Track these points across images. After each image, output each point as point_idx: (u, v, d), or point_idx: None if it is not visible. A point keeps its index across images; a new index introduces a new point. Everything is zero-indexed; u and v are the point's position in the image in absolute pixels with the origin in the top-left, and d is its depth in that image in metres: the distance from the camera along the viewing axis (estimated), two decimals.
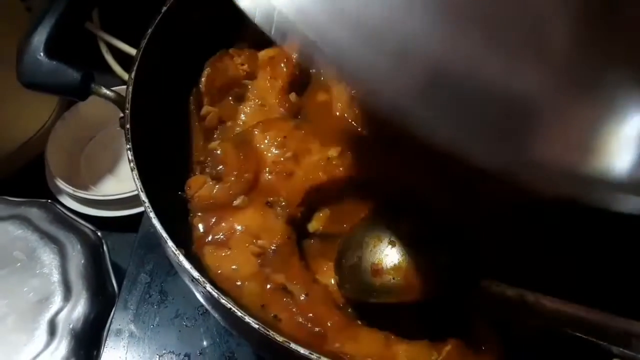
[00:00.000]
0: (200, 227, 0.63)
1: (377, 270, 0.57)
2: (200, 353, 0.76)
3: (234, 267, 0.60)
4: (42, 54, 0.58)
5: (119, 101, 0.59)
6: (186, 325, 0.78)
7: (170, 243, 0.50)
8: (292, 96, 0.76)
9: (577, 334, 0.47)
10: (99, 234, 0.88)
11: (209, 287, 0.48)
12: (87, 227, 0.89)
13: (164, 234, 0.50)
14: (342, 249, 0.62)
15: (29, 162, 1.04)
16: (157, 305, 0.79)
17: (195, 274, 0.48)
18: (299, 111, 0.77)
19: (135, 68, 0.61)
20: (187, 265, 0.49)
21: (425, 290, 0.56)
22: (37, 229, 0.85)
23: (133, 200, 0.98)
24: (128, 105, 0.57)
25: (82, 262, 0.82)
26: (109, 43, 1.13)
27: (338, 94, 0.78)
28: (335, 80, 0.79)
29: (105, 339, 0.77)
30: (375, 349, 0.58)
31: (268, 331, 0.46)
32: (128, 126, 0.55)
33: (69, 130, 1.07)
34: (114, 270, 0.86)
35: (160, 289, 0.80)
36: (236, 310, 0.46)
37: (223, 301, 0.47)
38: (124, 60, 1.11)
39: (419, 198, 0.68)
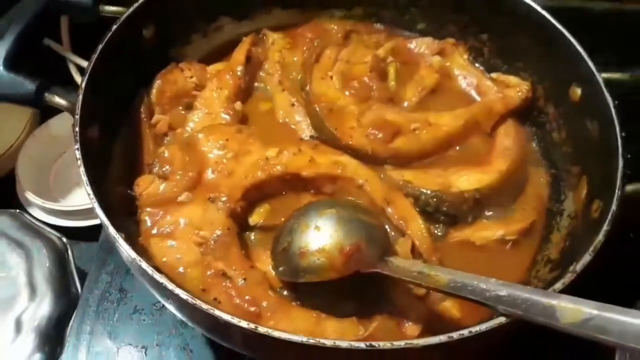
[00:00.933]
0: (148, 220, 0.69)
1: (304, 253, 0.64)
2: (157, 344, 0.81)
3: (177, 256, 0.66)
4: (0, 67, 0.65)
5: (70, 109, 0.65)
6: (144, 320, 0.83)
7: (111, 229, 0.56)
8: (237, 105, 0.83)
9: (465, 297, 0.55)
10: (64, 240, 0.94)
11: (144, 264, 0.54)
12: (54, 234, 0.95)
13: (106, 220, 0.56)
14: (276, 235, 0.68)
15: (1, 176, 1.09)
16: (116, 302, 0.84)
17: (133, 254, 0.54)
18: (244, 119, 0.84)
19: (86, 78, 0.67)
20: (125, 246, 0.55)
21: (345, 268, 0.63)
22: (5, 235, 0.90)
23: None
24: (78, 111, 0.64)
25: (48, 265, 0.88)
26: (77, 64, 1.20)
27: (280, 102, 0.86)
28: (278, 90, 0.87)
29: (68, 336, 0.82)
30: (306, 326, 0.64)
31: (195, 300, 0.52)
32: (77, 129, 0.62)
33: (39, 147, 1.13)
34: (79, 276, 0.92)
35: (119, 287, 0.86)
36: (167, 284, 0.53)
37: (156, 276, 0.53)
38: None
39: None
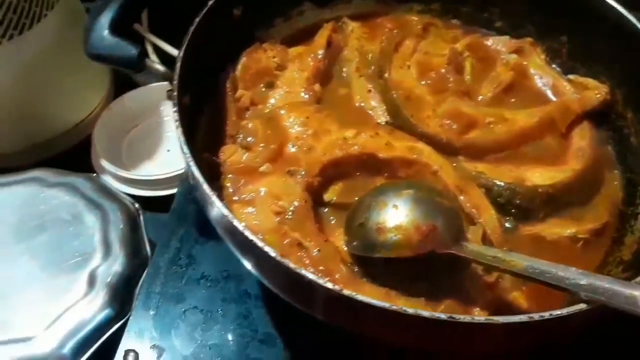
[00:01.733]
0: (230, 187, 0.72)
1: (381, 229, 0.65)
2: (221, 310, 0.84)
3: (256, 222, 0.69)
4: (106, 31, 0.69)
5: (168, 75, 0.69)
6: (210, 286, 0.86)
7: (205, 186, 0.59)
8: (317, 87, 0.85)
9: (545, 281, 0.55)
10: (136, 205, 0.98)
11: (235, 222, 0.56)
12: (127, 199, 0.99)
13: (200, 178, 0.59)
14: (352, 211, 0.70)
15: (79, 142, 1.15)
16: (185, 267, 0.87)
17: (225, 211, 0.57)
18: (323, 101, 0.87)
19: (183, 48, 0.71)
20: (218, 204, 0.58)
21: (420, 246, 0.64)
22: (83, 196, 0.95)
23: (167, 182, 1.08)
24: (176, 77, 0.67)
25: (121, 227, 0.92)
26: (155, 45, 1.25)
27: (357, 87, 0.88)
28: (355, 76, 0.89)
29: (138, 295, 0.85)
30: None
31: (282, 259, 0.54)
32: (175, 93, 0.65)
33: (114, 119, 1.18)
34: (149, 242, 0.96)
35: (188, 254, 0.89)
36: (257, 241, 0.55)
37: (247, 233, 0.56)
38: (169, 61, 1.23)
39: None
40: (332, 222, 0.75)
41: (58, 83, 1.08)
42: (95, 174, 1.01)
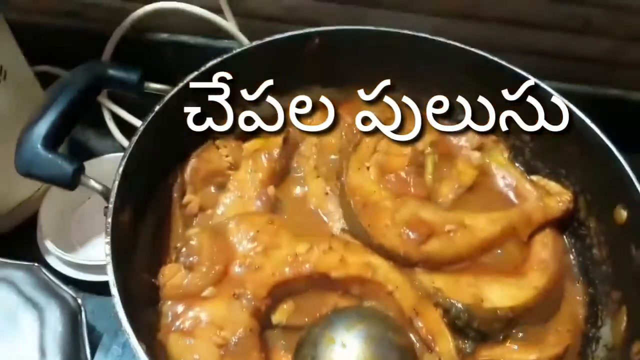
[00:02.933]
0: (169, 314, 0.67)
1: None
2: None
3: (195, 356, 0.64)
4: (39, 146, 0.64)
5: (104, 193, 0.64)
6: None
7: (133, 338, 0.54)
8: (270, 189, 0.81)
9: None
10: (79, 301, 0.91)
11: None
12: (68, 293, 0.92)
13: (128, 329, 0.54)
14: (298, 345, 0.66)
15: (24, 221, 1.08)
16: None
17: None
18: (277, 203, 0.82)
19: (124, 162, 0.66)
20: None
21: None
22: (20, 293, 0.88)
23: None
24: (112, 200, 0.62)
25: (60, 329, 0.85)
26: (111, 111, 1.21)
27: (313, 189, 0.84)
28: (312, 176, 0.85)
29: None
30: None
31: None
32: (109, 220, 0.60)
33: (64, 193, 1.12)
34: (91, 333, 0.89)
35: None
36: None
37: None
38: (126, 127, 1.18)
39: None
40: (282, 345, 0.71)
41: (2, 158, 1.02)
42: (35, 265, 0.94)
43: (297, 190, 0.85)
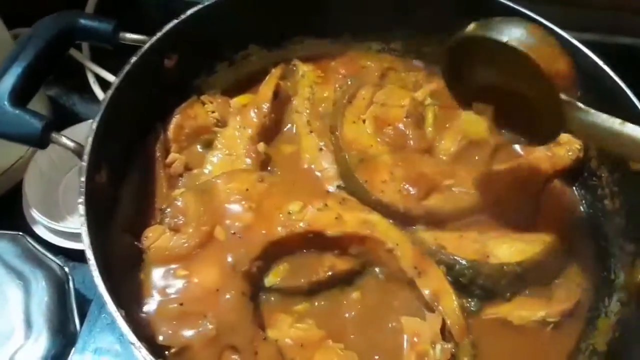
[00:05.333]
0: (154, 278, 0.63)
1: None
2: None
3: (183, 323, 0.60)
4: (5, 102, 0.59)
5: (77, 151, 0.59)
6: None
7: (110, 303, 0.50)
8: (261, 146, 0.76)
9: None
10: (66, 269, 0.88)
11: (143, 351, 0.47)
12: (55, 262, 0.89)
13: (105, 293, 0.50)
14: None
15: (8, 191, 1.04)
16: (117, 346, 0.78)
17: (133, 338, 0.48)
18: (268, 161, 0.78)
19: (98, 118, 0.61)
20: (125, 328, 0.49)
21: None
22: (4, 263, 0.85)
23: None
24: (86, 157, 0.58)
25: (46, 299, 0.82)
26: (96, 74, 1.15)
27: (306, 145, 0.79)
28: (305, 131, 0.80)
29: None
30: None
31: None
32: (83, 179, 0.56)
33: (50, 161, 1.08)
34: (81, 302, 0.86)
35: (121, 332, 0.79)
36: None
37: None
38: None
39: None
40: (275, 308, 0.67)
41: None
42: (19, 233, 0.90)
43: (290, 148, 0.79)
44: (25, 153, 1.07)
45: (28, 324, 0.80)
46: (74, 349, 0.79)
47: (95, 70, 1.15)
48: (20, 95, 0.60)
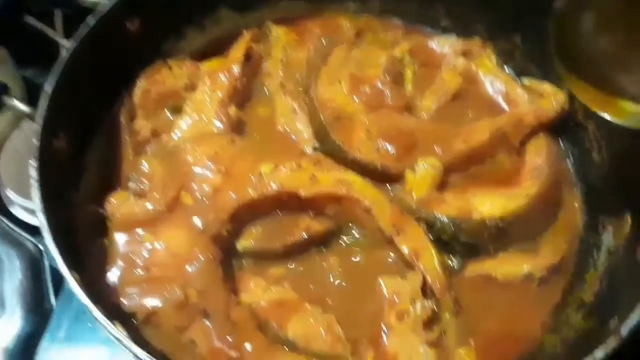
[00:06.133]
0: (119, 246, 0.60)
1: None
2: None
3: (151, 288, 0.58)
4: None
5: (31, 115, 0.56)
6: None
7: (62, 265, 0.47)
8: (232, 109, 0.73)
9: None
10: (40, 247, 0.85)
11: (97, 313, 0.45)
12: (30, 240, 0.87)
13: (57, 257, 0.48)
14: None
15: None
16: (92, 323, 0.76)
17: (86, 300, 0.46)
18: (240, 126, 0.75)
19: (52, 82, 0.58)
20: (77, 289, 0.46)
21: None
22: None
23: None
24: (40, 120, 0.55)
25: (20, 278, 0.80)
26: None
27: (281, 108, 0.76)
28: (278, 94, 0.77)
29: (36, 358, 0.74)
30: None
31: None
32: (36, 142, 0.53)
33: (25, 139, 1.05)
34: (58, 281, 0.84)
35: None
36: (123, 339, 0.44)
37: (110, 329, 0.44)
38: None
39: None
40: (249, 272, 0.64)
41: None
42: None
43: (265, 111, 0.77)
44: (0, 134, 1.05)
45: (1, 302, 0.78)
46: (48, 326, 0.77)
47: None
48: None
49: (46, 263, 0.84)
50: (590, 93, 0.56)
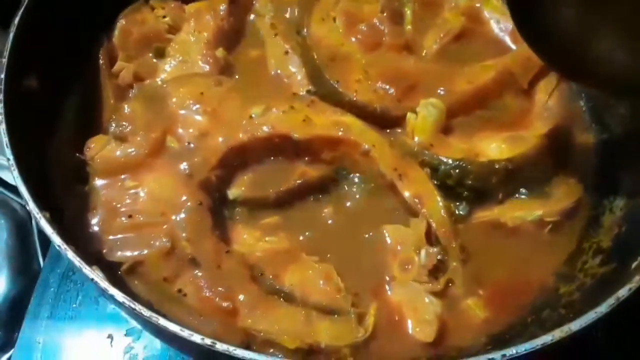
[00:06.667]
0: (100, 192, 0.56)
1: None
2: (126, 333, 0.69)
3: (135, 236, 0.54)
4: None
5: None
6: (111, 305, 0.71)
7: (32, 204, 0.43)
8: (219, 52, 0.69)
9: None
10: (28, 207, 0.82)
11: (70, 254, 0.41)
12: (17, 201, 0.83)
13: (26, 194, 0.43)
14: None
15: None
16: (80, 283, 0.72)
17: (58, 240, 0.42)
18: (230, 69, 0.70)
19: (20, 12, 0.54)
20: (48, 229, 0.42)
21: None
22: None
23: None
24: (6, 54, 0.50)
25: (6, 237, 0.77)
26: None
27: (272, 49, 0.71)
28: (269, 35, 0.72)
29: (25, 319, 0.71)
30: (295, 326, 0.52)
31: (135, 305, 0.39)
32: (2, 76, 0.49)
33: None
34: (47, 242, 0.80)
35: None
36: (100, 282, 0.40)
37: (87, 271, 0.40)
38: None
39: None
40: (241, 222, 0.60)
41: None
42: None
43: (255, 52, 0.72)
44: None
45: None
46: (36, 287, 0.74)
47: None
48: None
49: (34, 225, 0.81)
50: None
